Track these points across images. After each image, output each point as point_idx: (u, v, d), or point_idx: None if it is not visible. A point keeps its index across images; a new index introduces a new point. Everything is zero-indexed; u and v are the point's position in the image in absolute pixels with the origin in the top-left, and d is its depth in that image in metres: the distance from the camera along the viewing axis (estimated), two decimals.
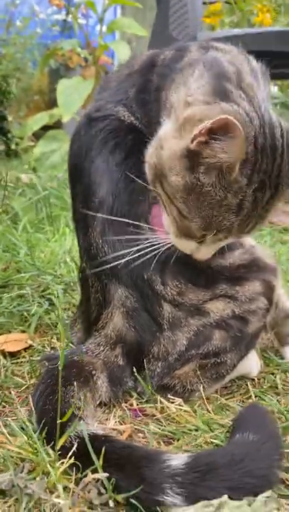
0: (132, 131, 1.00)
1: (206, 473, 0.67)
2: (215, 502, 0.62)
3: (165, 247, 0.92)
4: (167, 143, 0.86)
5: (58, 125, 3.77)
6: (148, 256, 0.92)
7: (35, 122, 3.86)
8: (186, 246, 0.91)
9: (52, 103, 4.37)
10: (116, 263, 0.94)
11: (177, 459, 0.69)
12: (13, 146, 3.02)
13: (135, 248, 0.92)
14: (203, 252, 0.92)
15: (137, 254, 0.92)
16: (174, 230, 0.90)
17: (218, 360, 0.96)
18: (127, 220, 0.94)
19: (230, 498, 0.65)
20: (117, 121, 1.00)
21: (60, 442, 0.71)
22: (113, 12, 5.21)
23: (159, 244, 0.92)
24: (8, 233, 1.62)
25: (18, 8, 4.25)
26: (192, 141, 0.80)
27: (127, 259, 0.93)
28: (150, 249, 0.92)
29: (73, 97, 3.32)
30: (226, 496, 0.64)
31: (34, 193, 2.10)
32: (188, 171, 0.83)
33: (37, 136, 3.88)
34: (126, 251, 0.93)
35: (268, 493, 0.65)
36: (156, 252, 0.92)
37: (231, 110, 0.80)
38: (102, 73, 3.56)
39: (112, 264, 0.94)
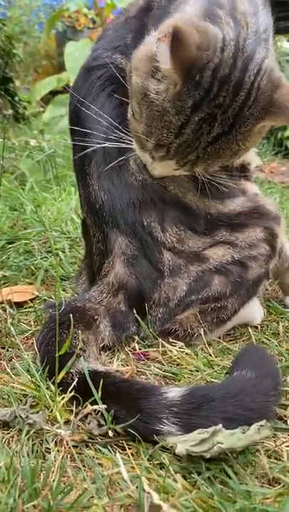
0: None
1: (201, 404, 0.69)
2: (209, 429, 0.64)
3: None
4: (143, 46, 0.86)
5: (67, 89, 3.73)
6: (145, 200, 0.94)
7: (43, 87, 3.83)
8: (143, 157, 0.92)
9: (60, 67, 4.32)
10: (113, 209, 0.95)
11: (174, 392, 0.71)
12: (20, 111, 3.00)
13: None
14: (157, 170, 0.92)
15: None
16: (133, 134, 0.91)
17: (218, 305, 0.97)
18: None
19: (224, 428, 0.67)
20: (115, 68, 0.99)
21: (60, 376, 0.74)
22: None
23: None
24: (16, 192, 1.63)
25: None
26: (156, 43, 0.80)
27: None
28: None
29: (81, 60, 3.27)
30: (220, 425, 0.65)
31: (41, 155, 2.10)
32: (147, 74, 0.82)
33: (46, 101, 3.85)
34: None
35: (262, 422, 0.66)
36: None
37: (205, 27, 0.78)
38: None
39: (109, 211, 0.95)
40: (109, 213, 0.97)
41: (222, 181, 1.01)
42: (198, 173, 0.90)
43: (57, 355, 0.75)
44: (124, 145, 0.93)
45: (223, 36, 0.79)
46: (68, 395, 0.73)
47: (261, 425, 0.66)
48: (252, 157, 1.11)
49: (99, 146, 0.96)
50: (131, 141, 0.94)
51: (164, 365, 0.92)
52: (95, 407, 0.69)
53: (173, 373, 0.89)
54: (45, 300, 1.10)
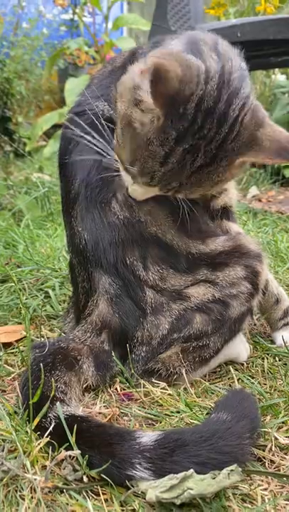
0: (111, 123, 1.03)
1: (174, 449, 0.69)
2: (180, 475, 0.65)
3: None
4: (127, 74, 0.89)
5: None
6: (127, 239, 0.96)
7: (45, 122, 3.92)
8: (125, 178, 0.94)
9: (62, 102, 4.43)
10: (96, 250, 0.98)
11: (147, 436, 0.72)
12: (20, 147, 3.08)
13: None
14: (136, 192, 0.93)
15: None
16: (117, 155, 0.93)
17: (200, 344, 0.98)
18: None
19: (197, 472, 0.67)
20: (96, 115, 1.03)
21: (35, 422, 0.75)
22: (120, 9, 5.23)
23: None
24: (10, 230, 1.67)
25: (25, 9, 4.31)
26: (140, 74, 0.82)
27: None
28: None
29: None
30: (191, 470, 0.66)
31: (38, 192, 2.15)
32: (130, 102, 0.84)
33: (49, 135, 3.95)
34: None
35: (233, 466, 0.67)
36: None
37: (188, 60, 0.79)
38: None
39: (92, 252, 0.98)
40: (92, 253, 1.00)
41: (204, 222, 1.05)
42: (178, 198, 0.92)
43: (31, 402, 0.76)
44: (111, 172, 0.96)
45: (206, 68, 0.81)
46: (44, 440, 0.74)
47: (232, 470, 0.66)
48: (234, 199, 1.14)
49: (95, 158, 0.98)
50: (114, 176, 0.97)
51: (145, 407, 0.92)
52: (70, 452, 0.70)
53: (154, 415, 0.90)
54: (32, 340, 1.12)
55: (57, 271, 1.47)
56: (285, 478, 0.75)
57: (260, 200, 3.22)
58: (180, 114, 0.79)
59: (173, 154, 0.82)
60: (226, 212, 1.11)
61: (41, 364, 0.88)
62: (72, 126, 1.04)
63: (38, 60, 4.19)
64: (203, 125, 0.81)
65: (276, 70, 3.54)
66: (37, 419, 0.75)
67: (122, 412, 0.91)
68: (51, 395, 0.80)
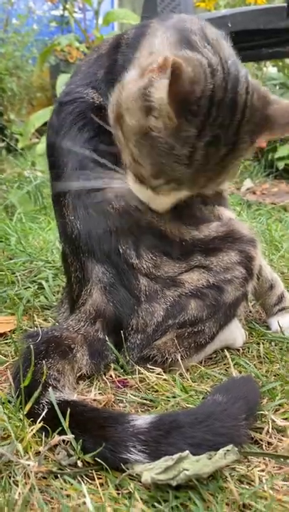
0: (101, 111, 1.01)
1: (169, 431, 0.68)
2: (175, 457, 0.64)
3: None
4: (127, 85, 0.88)
5: None
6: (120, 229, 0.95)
7: (37, 119, 3.90)
8: (142, 193, 0.93)
9: (54, 99, 4.41)
10: (89, 239, 0.97)
11: (142, 419, 0.71)
12: (12, 143, 3.06)
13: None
14: (159, 202, 0.93)
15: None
16: (130, 175, 0.92)
17: (195, 329, 0.97)
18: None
19: (193, 454, 0.66)
20: (86, 103, 1.02)
21: (27, 408, 0.74)
22: (110, 3, 5.21)
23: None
24: (3, 223, 1.66)
25: (14, 6, 4.28)
26: (145, 79, 0.81)
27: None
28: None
29: None
30: (187, 451, 0.65)
31: (30, 186, 2.14)
32: (142, 112, 0.83)
33: (42, 132, 3.93)
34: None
35: (229, 446, 0.66)
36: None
37: (192, 58, 0.80)
38: None
39: (85, 241, 0.97)
40: (85, 242, 0.99)
41: (197, 208, 1.04)
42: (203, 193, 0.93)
43: (22, 386, 0.75)
44: (99, 182, 0.95)
45: (208, 62, 0.82)
46: (37, 426, 0.73)
47: (228, 450, 0.66)
48: (226, 184, 1.13)
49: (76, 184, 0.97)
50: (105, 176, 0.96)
51: (141, 392, 0.92)
52: (63, 437, 0.69)
53: (150, 400, 0.89)
54: (26, 331, 1.11)
55: (50, 263, 1.46)
56: (282, 459, 0.74)
57: (254, 193, 3.22)
58: (195, 111, 0.80)
59: (197, 151, 0.83)
60: (218, 198, 1.10)
61: (33, 351, 0.87)
62: (62, 115, 1.03)
63: (29, 56, 4.17)
64: (218, 116, 0.82)
65: (267, 62, 3.53)
66: (29, 405, 0.74)
67: (117, 399, 0.90)
68: (42, 381, 0.79)
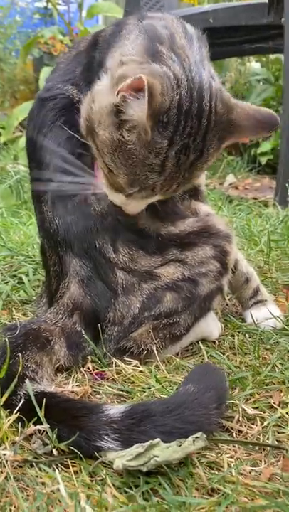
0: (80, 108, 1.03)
1: (141, 420, 0.71)
2: (146, 444, 0.67)
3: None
4: (98, 97, 0.90)
5: None
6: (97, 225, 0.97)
7: (20, 112, 3.88)
8: (116, 198, 0.96)
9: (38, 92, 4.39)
10: (67, 234, 0.98)
11: (115, 409, 0.74)
12: None
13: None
14: (133, 206, 0.96)
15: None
16: (105, 182, 0.95)
17: (171, 321, 1.00)
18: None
19: (164, 442, 0.69)
20: (66, 99, 1.04)
21: (3, 399, 0.76)
22: None
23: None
24: None
25: None
26: (117, 96, 0.84)
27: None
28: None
29: None
30: (158, 439, 0.68)
31: (11, 180, 2.14)
32: (114, 127, 0.87)
33: (25, 126, 3.91)
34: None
35: (198, 434, 0.69)
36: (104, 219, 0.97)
37: (159, 72, 0.84)
38: None
39: (64, 236, 0.99)
40: (63, 237, 1.00)
41: (174, 204, 1.06)
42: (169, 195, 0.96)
43: None
44: (80, 181, 0.97)
45: (174, 74, 0.86)
46: (14, 417, 0.75)
47: (196, 437, 0.68)
48: (202, 179, 1.15)
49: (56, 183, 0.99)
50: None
51: (117, 383, 0.94)
52: (39, 426, 0.71)
53: (126, 391, 0.91)
54: (5, 325, 1.12)
55: (31, 257, 1.47)
56: (250, 446, 0.77)
57: (237, 188, 3.26)
58: (166, 123, 0.84)
59: (168, 160, 0.87)
60: (194, 193, 1.12)
61: (11, 344, 0.88)
62: (43, 111, 1.04)
63: (11, 49, 4.14)
64: (186, 125, 0.86)
65: (251, 57, 3.56)
66: (6, 395, 0.76)
67: (94, 390, 0.92)
68: (19, 373, 0.81)
